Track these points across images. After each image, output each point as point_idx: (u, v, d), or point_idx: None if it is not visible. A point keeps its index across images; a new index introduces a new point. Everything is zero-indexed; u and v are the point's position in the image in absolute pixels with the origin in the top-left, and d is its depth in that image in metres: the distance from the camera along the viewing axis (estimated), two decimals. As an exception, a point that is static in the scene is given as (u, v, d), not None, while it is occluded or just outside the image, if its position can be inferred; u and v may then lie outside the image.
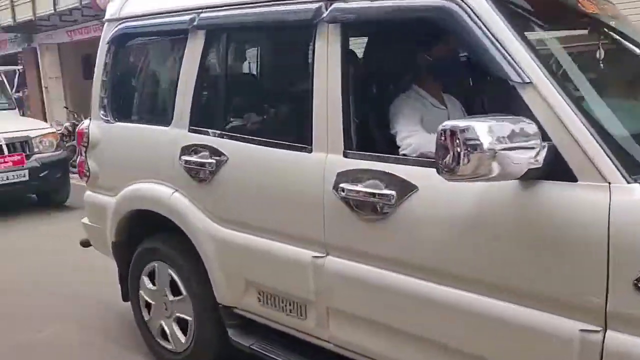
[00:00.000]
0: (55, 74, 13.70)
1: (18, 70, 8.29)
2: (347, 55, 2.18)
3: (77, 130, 3.47)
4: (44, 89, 13.28)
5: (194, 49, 2.69)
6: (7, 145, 6.77)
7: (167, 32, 2.94)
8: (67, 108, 12.88)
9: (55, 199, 7.49)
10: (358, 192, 2.01)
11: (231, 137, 2.55)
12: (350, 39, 2.24)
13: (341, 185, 2.07)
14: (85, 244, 3.81)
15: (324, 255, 2.21)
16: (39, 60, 13.30)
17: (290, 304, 2.39)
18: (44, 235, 6.36)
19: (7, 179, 6.68)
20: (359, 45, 2.69)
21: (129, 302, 3.33)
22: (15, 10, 12.70)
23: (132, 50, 3.27)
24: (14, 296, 4.47)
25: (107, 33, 3.25)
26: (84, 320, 3.90)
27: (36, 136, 7.10)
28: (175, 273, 2.89)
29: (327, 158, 2.16)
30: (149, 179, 2.98)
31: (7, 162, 6.71)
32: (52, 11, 11.76)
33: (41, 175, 6.95)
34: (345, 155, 2.11)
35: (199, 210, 2.69)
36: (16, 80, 8.28)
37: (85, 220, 3.60)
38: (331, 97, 2.15)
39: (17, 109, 8.21)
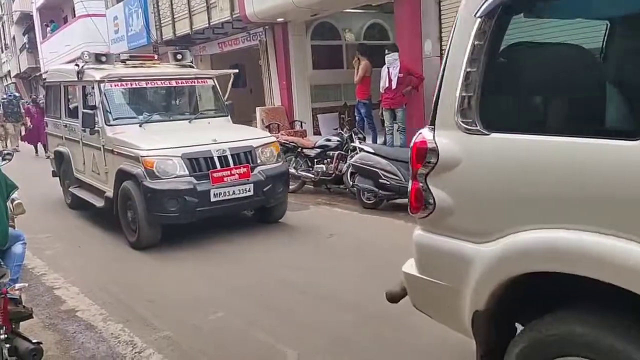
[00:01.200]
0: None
1: (233, 74, 7.62)
2: None
3: (412, 143, 2.43)
4: (198, 97, 14.60)
5: None
6: (232, 156, 6.02)
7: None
8: None
9: (275, 214, 6.72)
10: None
11: None
12: None
13: None
14: (397, 298, 2.81)
15: None
16: (195, 71, 14.63)
17: None
18: (267, 254, 5.70)
19: (233, 193, 5.91)
20: None
21: None
22: (175, 26, 13.80)
23: (531, 21, 2.13)
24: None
25: (472, 1, 2.18)
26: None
27: (258, 146, 6.32)
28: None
29: None
30: (578, 224, 1.86)
31: (233, 174, 5.93)
32: (207, 25, 12.44)
33: (265, 189, 6.13)
34: None
35: None
36: (229, 84, 7.69)
37: (413, 270, 2.55)
38: None
39: (229, 116, 7.58)
